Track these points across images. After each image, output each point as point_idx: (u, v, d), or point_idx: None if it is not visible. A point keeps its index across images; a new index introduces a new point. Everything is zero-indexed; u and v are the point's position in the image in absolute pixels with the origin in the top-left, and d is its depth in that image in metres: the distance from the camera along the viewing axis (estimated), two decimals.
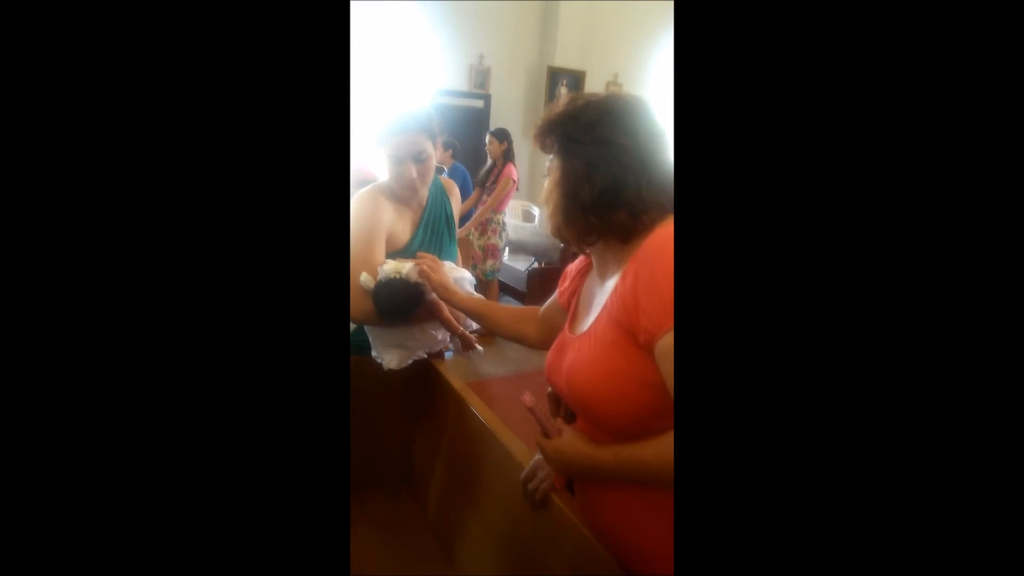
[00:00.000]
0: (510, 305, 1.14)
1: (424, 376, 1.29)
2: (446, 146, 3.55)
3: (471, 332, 1.27)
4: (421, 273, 1.08)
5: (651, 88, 5.33)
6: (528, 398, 0.71)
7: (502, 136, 3.40)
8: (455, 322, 1.20)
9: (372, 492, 1.31)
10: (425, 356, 1.23)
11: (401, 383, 1.28)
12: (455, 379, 1.22)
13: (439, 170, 3.48)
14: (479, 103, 4.67)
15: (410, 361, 1.20)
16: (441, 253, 1.23)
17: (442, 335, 1.23)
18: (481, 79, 4.64)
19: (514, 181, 3.39)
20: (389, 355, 1.18)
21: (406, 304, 1.09)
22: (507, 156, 3.38)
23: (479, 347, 1.28)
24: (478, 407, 1.10)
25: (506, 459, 0.94)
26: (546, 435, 0.72)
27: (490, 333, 1.10)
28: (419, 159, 1.12)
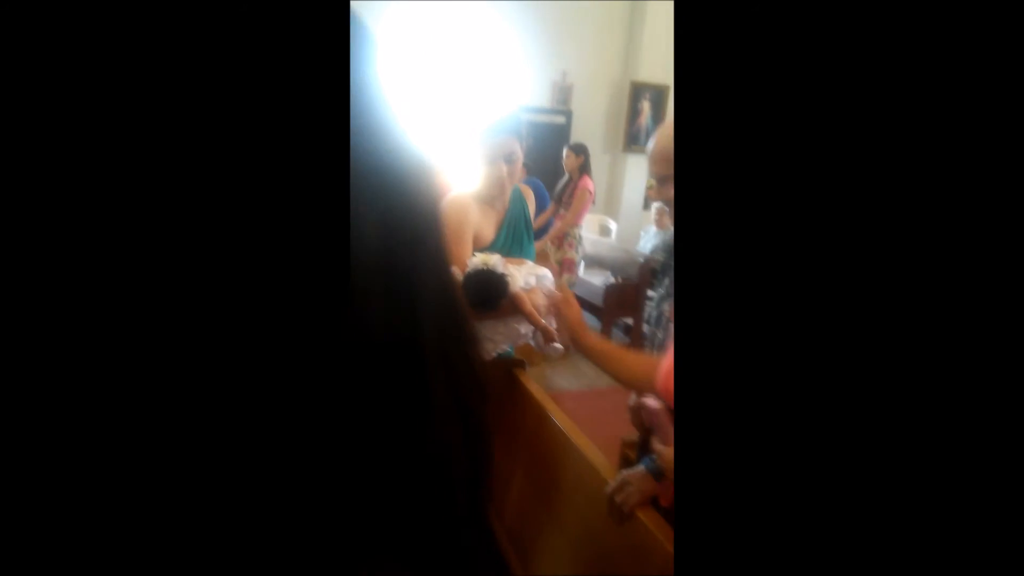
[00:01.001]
0: (641, 354, 1.15)
1: (505, 386, 1.32)
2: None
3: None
4: (553, 308, 1.12)
5: None
6: (652, 402, 0.71)
7: (579, 150, 3.44)
8: (537, 316, 1.25)
9: None
10: (508, 350, 1.30)
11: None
12: (536, 390, 1.24)
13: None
14: (561, 119, 4.73)
15: (496, 354, 1.28)
16: (522, 251, 1.33)
17: (525, 329, 1.29)
18: (563, 95, 4.69)
19: (591, 193, 3.40)
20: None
21: (492, 292, 1.18)
22: (583, 169, 3.41)
23: (559, 344, 1.31)
24: (560, 418, 1.11)
25: (589, 471, 0.95)
26: (664, 443, 0.72)
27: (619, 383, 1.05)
28: (509, 160, 1.24)
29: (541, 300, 1.23)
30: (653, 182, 1.00)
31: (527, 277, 1.25)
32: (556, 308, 1.12)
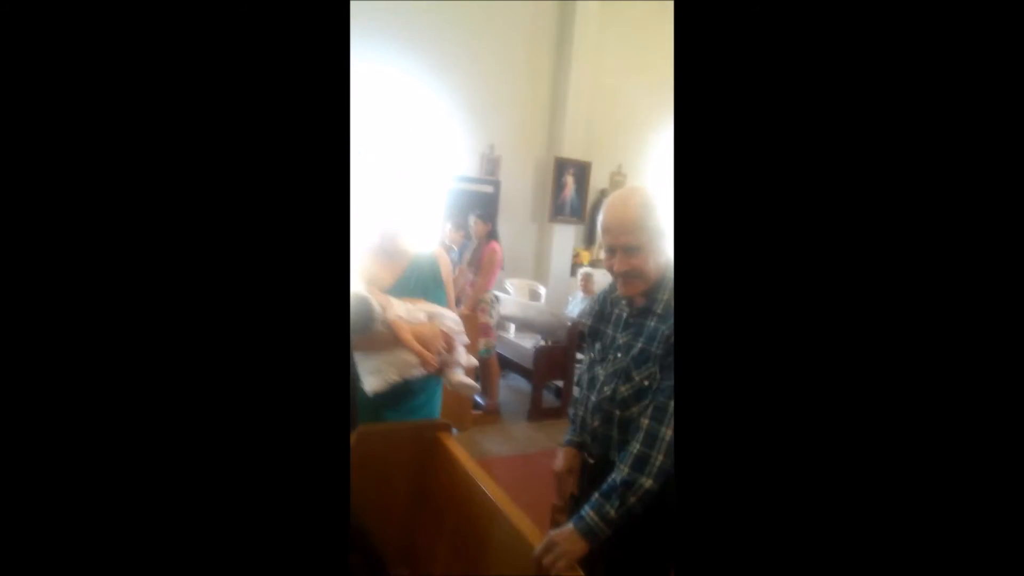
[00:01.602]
0: None
1: (430, 451, 1.27)
2: (457, 227, 3.72)
3: (470, 384, 1.39)
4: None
5: (653, 178, 5.60)
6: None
7: (486, 217, 3.56)
8: (413, 342, 1.29)
9: None
10: (399, 380, 1.32)
11: (408, 457, 1.26)
12: (462, 455, 1.20)
13: (448, 248, 3.61)
14: (490, 188, 4.91)
15: (388, 386, 1.30)
16: (428, 298, 1.42)
17: (414, 359, 1.32)
18: (491, 167, 4.90)
19: (498, 256, 3.47)
20: (368, 380, 1.30)
21: (354, 317, 1.22)
22: (490, 236, 3.51)
23: (466, 380, 1.36)
24: (487, 485, 1.07)
25: (517, 540, 0.91)
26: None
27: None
28: (396, 219, 1.43)
29: (429, 331, 1.30)
30: (603, 253, 1.02)
31: (415, 312, 1.32)
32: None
